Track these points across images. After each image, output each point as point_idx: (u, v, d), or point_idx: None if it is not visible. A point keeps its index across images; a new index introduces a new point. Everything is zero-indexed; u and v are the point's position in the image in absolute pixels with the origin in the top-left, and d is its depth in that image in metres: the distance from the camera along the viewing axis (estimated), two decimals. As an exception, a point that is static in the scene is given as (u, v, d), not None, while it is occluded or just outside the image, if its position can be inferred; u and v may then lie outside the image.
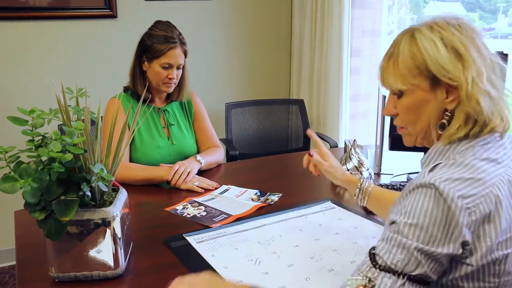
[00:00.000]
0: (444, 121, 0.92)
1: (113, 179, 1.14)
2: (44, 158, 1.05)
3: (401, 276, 0.80)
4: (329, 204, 1.61)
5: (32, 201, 0.99)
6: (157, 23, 1.92)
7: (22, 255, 1.28)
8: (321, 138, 2.86)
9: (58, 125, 2.12)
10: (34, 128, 1.06)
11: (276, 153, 2.49)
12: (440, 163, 0.88)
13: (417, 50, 0.90)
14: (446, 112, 0.92)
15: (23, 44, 2.62)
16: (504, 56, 1.71)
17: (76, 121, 1.11)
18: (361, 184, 1.34)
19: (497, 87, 0.89)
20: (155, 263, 1.24)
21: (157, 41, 1.85)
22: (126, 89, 1.96)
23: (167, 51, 1.84)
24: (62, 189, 1.05)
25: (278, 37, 3.33)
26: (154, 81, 1.89)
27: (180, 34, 1.90)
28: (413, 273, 0.80)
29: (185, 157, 1.93)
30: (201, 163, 1.88)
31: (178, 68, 1.89)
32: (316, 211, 1.56)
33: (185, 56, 1.92)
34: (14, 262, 2.72)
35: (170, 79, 1.87)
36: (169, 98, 2.00)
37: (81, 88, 1.20)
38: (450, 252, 0.80)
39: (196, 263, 1.23)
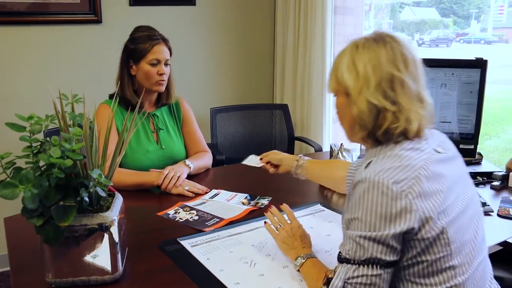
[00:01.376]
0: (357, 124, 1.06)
1: (111, 184, 1.15)
2: (41, 164, 1.05)
3: (354, 263, 0.95)
4: (318, 207, 1.65)
5: (32, 207, 1.00)
6: (138, 28, 1.95)
7: (16, 262, 1.27)
8: (305, 142, 2.92)
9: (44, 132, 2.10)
10: (32, 134, 1.06)
11: (261, 158, 2.52)
12: (372, 160, 1.02)
13: (338, 62, 1.07)
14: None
15: (3, 50, 2.59)
16: (484, 62, 1.78)
17: (71, 127, 1.12)
18: (297, 160, 1.61)
19: (397, 100, 1.00)
20: (151, 267, 1.25)
21: (140, 42, 1.87)
22: (112, 96, 1.96)
23: (152, 47, 1.86)
24: (61, 194, 1.05)
25: (261, 42, 3.37)
26: (145, 82, 1.90)
27: (161, 34, 1.93)
28: (362, 258, 0.94)
29: (174, 162, 1.94)
30: (190, 167, 1.89)
31: (165, 64, 1.91)
32: (307, 213, 1.59)
33: (170, 54, 1.94)
34: (4, 269, 2.70)
35: (160, 74, 1.88)
36: (159, 102, 2.01)
37: (76, 94, 1.20)
38: (393, 232, 0.92)
39: (192, 267, 1.24)
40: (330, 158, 1.94)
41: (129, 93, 1.90)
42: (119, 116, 1.92)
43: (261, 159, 1.72)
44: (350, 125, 1.08)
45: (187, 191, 1.76)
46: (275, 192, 1.76)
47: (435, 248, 0.96)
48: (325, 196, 1.76)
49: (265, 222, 1.37)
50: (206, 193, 1.77)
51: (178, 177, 1.78)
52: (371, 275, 0.94)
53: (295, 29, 3.13)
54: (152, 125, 1.99)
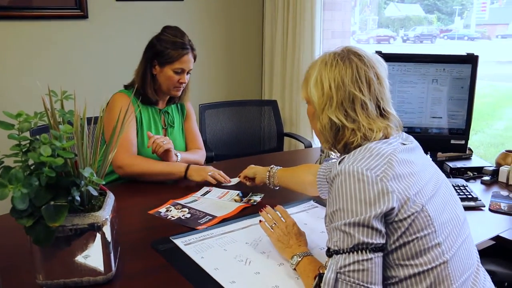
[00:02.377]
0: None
1: (103, 183, 1.12)
2: (31, 163, 1.02)
3: (344, 252, 0.96)
4: (311, 203, 1.64)
5: (21, 207, 0.96)
6: (166, 28, 1.93)
7: (5, 263, 1.24)
8: (295, 138, 2.92)
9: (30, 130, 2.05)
10: (20, 132, 1.03)
11: (250, 154, 2.51)
12: (345, 156, 1.06)
13: (309, 75, 1.14)
14: None
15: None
16: (475, 57, 1.79)
17: (61, 124, 1.09)
18: (269, 171, 1.65)
19: (357, 118, 1.07)
20: (144, 267, 1.23)
21: (170, 46, 1.86)
22: (127, 87, 1.96)
23: (180, 57, 1.87)
24: (51, 194, 1.02)
25: (250, 38, 3.35)
26: (165, 85, 1.91)
27: (189, 40, 1.92)
28: (351, 245, 0.95)
29: None
30: (177, 156, 1.91)
31: (188, 73, 1.92)
32: (300, 210, 1.59)
33: (194, 61, 1.95)
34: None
35: (181, 83, 1.91)
36: (171, 100, 2.03)
37: (65, 91, 1.17)
38: (374, 214, 0.94)
39: (187, 266, 1.23)
40: (320, 155, 1.93)
41: (150, 92, 1.91)
42: (137, 109, 1.92)
43: (239, 177, 1.78)
44: (317, 135, 1.18)
45: (211, 176, 1.79)
46: (268, 189, 1.75)
47: (419, 226, 0.98)
48: (318, 193, 1.75)
49: (260, 221, 1.36)
50: (229, 182, 1.82)
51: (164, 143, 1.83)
52: (362, 260, 0.94)
53: (284, 25, 3.12)
54: (164, 121, 2.01)
